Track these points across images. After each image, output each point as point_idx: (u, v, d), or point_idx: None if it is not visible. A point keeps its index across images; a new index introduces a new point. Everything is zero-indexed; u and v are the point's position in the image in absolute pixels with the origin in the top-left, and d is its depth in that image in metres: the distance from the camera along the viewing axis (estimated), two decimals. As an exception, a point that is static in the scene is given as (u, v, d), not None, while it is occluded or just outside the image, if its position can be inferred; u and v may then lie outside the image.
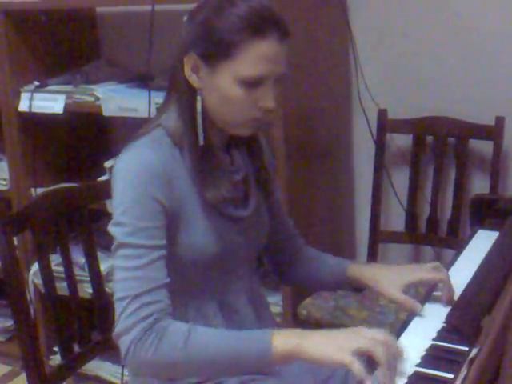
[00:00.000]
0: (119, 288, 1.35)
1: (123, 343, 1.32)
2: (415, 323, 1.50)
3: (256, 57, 1.37)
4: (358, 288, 1.66)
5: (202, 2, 1.44)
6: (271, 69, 1.40)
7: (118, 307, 1.34)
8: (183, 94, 1.46)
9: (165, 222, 1.39)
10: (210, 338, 1.32)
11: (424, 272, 1.56)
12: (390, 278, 1.56)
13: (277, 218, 1.70)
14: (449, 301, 1.52)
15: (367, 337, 1.25)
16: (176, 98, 1.48)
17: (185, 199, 1.44)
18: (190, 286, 1.50)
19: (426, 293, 1.60)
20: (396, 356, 1.27)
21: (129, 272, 1.34)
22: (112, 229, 1.39)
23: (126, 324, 1.31)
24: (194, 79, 1.44)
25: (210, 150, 1.48)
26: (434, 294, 1.58)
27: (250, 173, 1.59)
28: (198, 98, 1.44)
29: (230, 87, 1.40)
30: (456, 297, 1.54)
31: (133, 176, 1.39)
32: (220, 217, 1.49)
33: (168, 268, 1.39)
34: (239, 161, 1.57)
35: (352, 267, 1.65)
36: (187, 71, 1.43)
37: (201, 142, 1.45)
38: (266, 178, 1.61)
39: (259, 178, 1.61)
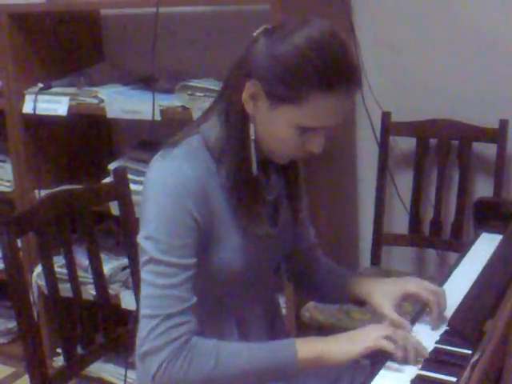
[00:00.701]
0: (147, 304, 1.34)
1: (151, 363, 1.31)
2: (419, 326, 1.50)
3: (321, 110, 1.33)
4: (358, 302, 1.64)
5: (286, 35, 1.34)
6: (332, 121, 1.37)
7: (147, 324, 1.32)
8: (234, 115, 1.41)
9: (197, 238, 1.37)
10: (237, 352, 1.34)
11: (417, 286, 1.54)
12: (383, 292, 1.55)
13: (301, 230, 1.67)
14: (434, 326, 1.49)
15: (385, 329, 1.37)
16: (224, 115, 1.43)
17: (217, 215, 1.41)
18: (208, 300, 1.49)
19: (415, 313, 1.58)
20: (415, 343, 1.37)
21: (158, 289, 1.33)
22: (143, 242, 1.37)
23: (155, 344, 1.30)
24: (249, 105, 1.38)
25: (251, 171, 1.43)
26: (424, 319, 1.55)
27: (282, 190, 1.57)
28: (252, 125, 1.39)
29: (285, 129, 1.36)
30: (457, 303, 1.53)
31: (169, 191, 1.35)
32: (249, 234, 1.46)
33: (194, 285, 1.38)
34: (274, 179, 1.55)
35: (351, 282, 1.64)
36: (245, 96, 1.37)
37: (254, 170, 1.41)
38: (298, 201, 1.59)
39: (291, 200, 1.58)
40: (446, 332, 1.46)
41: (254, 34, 1.39)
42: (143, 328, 1.33)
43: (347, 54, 1.34)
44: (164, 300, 1.32)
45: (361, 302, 1.62)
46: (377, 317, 1.57)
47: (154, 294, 1.33)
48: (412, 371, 1.32)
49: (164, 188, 1.36)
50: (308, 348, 1.35)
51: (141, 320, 1.34)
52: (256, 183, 1.44)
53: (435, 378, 1.29)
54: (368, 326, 1.42)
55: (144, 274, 1.36)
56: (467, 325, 1.41)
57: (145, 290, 1.35)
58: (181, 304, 1.33)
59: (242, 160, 1.41)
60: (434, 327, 1.48)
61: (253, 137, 1.40)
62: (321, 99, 1.31)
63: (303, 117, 1.34)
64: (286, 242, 1.61)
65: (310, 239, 1.73)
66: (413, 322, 1.52)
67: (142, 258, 1.36)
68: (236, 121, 1.41)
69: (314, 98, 1.31)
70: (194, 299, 1.35)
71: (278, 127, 1.37)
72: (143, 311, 1.34)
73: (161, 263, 1.33)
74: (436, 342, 1.42)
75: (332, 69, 1.30)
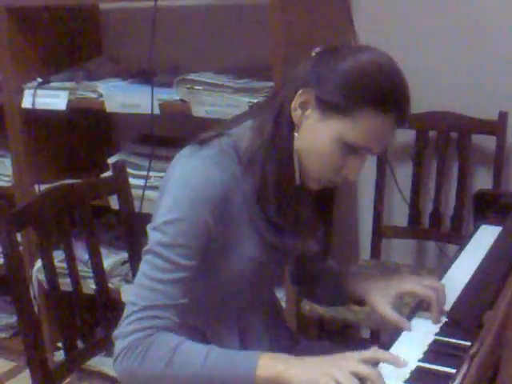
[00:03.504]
0: (135, 292, 1.34)
1: (116, 347, 1.31)
2: (418, 319, 1.50)
3: (370, 128, 1.33)
4: (356, 301, 1.64)
5: (350, 48, 1.39)
6: (375, 145, 1.36)
7: (126, 310, 1.32)
8: (281, 124, 1.40)
9: (204, 244, 1.35)
10: (195, 356, 1.29)
11: (413, 284, 1.52)
12: (380, 290, 1.54)
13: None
14: (436, 321, 1.47)
15: (350, 369, 1.22)
16: (268, 123, 1.41)
17: (235, 222, 1.40)
18: (212, 307, 1.49)
19: (412, 307, 1.57)
20: None
21: (149, 281, 1.32)
22: (151, 232, 1.36)
23: (125, 329, 1.30)
24: (297, 114, 1.37)
25: (293, 181, 1.42)
26: (422, 313, 1.52)
27: (305, 208, 1.52)
28: (296, 135, 1.39)
29: (330, 142, 1.35)
30: (455, 297, 1.52)
31: (190, 190, 1.34)
32: (263, 242, 1.45)
33: (198, 287, 1.37)
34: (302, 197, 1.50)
35: (348, 281, 1.63)
36: (295, 103, 1.37)
37: (297, 180, 1.41)
38: (327, 230, 1.58)
39: (317, 225, 1.55)
40: (445, 324, 1.46)
41: (313, 53, 1.40)
42: (124, 313, 1.33)
43: (407, 86, 1.36)
44: (149, 292, 1.32)
45: (360, 301, 1.62)
46: (375, 311, 1.56)
47: (143, 284, 1.33)
48: (412, 363, 1.32)
49: (186, 186, 1.35)
50: (268, 367, 1.26)
51: (126, 305, 1.34)
52: (296, 194, 1.42)
53: (434, 370, 1.29)
54: (338, 357, 1.28)
55: (142, 262, 1.36)
56: (466, 316, 1.41)
57: (137, 278, 1.35)
58: (164, 299, 1.31)
59: (283, 170, 1.40)
60: (436, 322, 1.47)
61: (296, 147, 1.39)
62: (372, 117, 1.32)
63: (350, 131, 1.33)
64: (295, 251, 1.59)
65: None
66: (411, 315, 1.52)
67: (145, 247, 1.36)
68: (282, 130, 1.39)
69: (366, 115, 1.32)
70: (183, 300, 1.33)
71: (322, 140, 1.36)
72: (129, 297, 1.34)
73: (159, 256, 1.33)
74: (435, 334, 1.42)
75: (391, 91, 1.32)
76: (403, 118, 1.37)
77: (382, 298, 1.52)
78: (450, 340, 1.39)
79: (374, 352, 1.29)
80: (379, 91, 1.31)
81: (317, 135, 1.36)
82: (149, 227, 1.38)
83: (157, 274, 1.32)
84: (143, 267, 1.35)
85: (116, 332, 1.32)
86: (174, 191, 1.36)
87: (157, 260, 1.33)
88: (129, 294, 1.35)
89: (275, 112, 1.41)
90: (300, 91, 1.36)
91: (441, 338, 1.40)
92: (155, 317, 1.30)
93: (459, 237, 2.46)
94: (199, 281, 1.37)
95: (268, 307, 1.61)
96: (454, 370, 1.27)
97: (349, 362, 1.25)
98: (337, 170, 1.39)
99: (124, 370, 1.30)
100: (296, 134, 1.39)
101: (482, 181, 2.54)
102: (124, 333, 1.30)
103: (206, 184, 1.34)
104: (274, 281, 1.65)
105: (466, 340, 1.36)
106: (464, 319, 1.41)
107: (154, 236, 1.35)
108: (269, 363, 1.26)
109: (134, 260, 1.96)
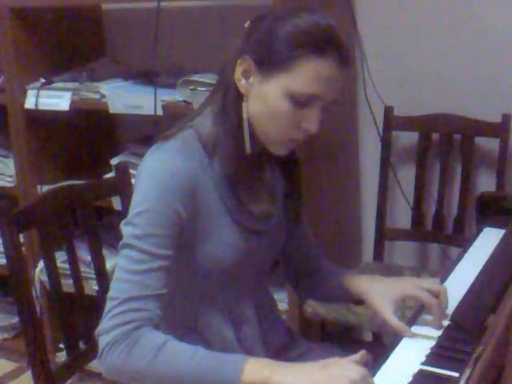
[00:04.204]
0: (114, 287, 1.34)
1: (101, 342, 1.30)
2: (421, 322, 1.50)
3: (312, 74, 1.33)
4: (356, 301, 1.63)
5: (267, 11, 1.41)
6: (324, 91, 1.35)
7: (107, 305, 1.32)
8: (228, 98, 1.42)
9: (177, 232, 1.36)
10: (181, 355, 1.28)
11: (415, 288, 1.51)
12: (382, 293, 1.53)
13: (299, 229, 1.66)
14: (438, 327, 1.46)
15: (339, 374, 1.21)
16: (219, 102, 1.44)
17: (208, 209, 1.41)
18: (201, 296, 1.49)
19: (415, 310, 1.56)
20: None
21: (127, 274, 1.33)
22: (123, 227, 1.37)
23: (108, 324, 1.30)
24: (242, 84, 1.39)
25: (245, 159, 1.43)
26: (425, 317, 1.52)
27: (277, 187, 1.56)
28: (244, 104, 1.40)
29: (278, 100, 1.35)
30: (457, 300, 1.52)
31: (157, 181, 1.36)
32: (241, 229, 1.46)
33: (181, 278, 1.37)
34: (270, 173, 1.54)
35: (349, 280, 1.62)
36: (237, 74, 1.39)
37: (248, 149, 1.41)
38: (298, 200, 1.58)
39: (291, 199, 1.57)
40: (448, 327, 1.45)
41: (245, 25, 1.42)
42: (105, 308, 1.33)
43: (339, 31, 1.36)
44: (128, 284, 1.32)
45: (360, 301, 1.61)
46: (377, 315, 1.55)
47: (121, 278, 1.33)
48: (414, 366, 1.32)
49: (153, 179, 1.36)
50: (254, 372, 1.24)
51: (106, 301, 1.34)
52: (251, 166, 1.44)
53: (437, 373, 1.29)
54: (326, 362, 1.26)
55: (118, 258, 1.36)
56: (469, 320, 1.41)
57: (115, 273, 1.35)
58: (144, 290, 1.31)
59: (236, 141, 1.41)
60: (438, 327, 1.45)
61: (245, 116, 1.40)
62: (309, 63, 1.33)
63: (294, 82, 1.34)
64: (279, 240, 1.60)
65: (309, 239, 1.71)
66: (413, 318, 1.51)
67: (120, 243, 1.36)
68: (230, 102, 1.41)
69: (303, 63, 1.33)
70: (163, 290, 1.34)
71: (270, 100, 1.36)
72: (109, 293, 1.34)
73: (134, 248, 1.33)
74: (438, 337, 1.42)
75: (323, 35, 1.33)
76: (344, 58, 1.36)
77: (383, 301, 1.51)
78: (453, 343, 1.38)
79: (361, 356, 1.28)
80: (311, 36, 1.32)
81: (265, 98, 1.37)
82: (122, 223, 1.39)
83: (133, 266, 1.33)
84: (120, 261, 1.35)
85: (98, 328, 1.32)
86: (142, 185, 1.38)
87: (132, 252, 1.33)
88: (109, 289, 1.35)
89: (223, 88, 1.43)
90: (239, 61, 1.38)
91: (443, 341, 1.40)
92: (136, 309, 1.30)
93: (462, 239, 2.46)
94: (182, 270, 1.38)
95: (260, 300, 1.60)
96: (456, 374, 1.26)
97: (336, 367, 1.23)
98: (295, 126, 1.39)
99: (109, 366, 1.30)
100: (245, 104, 1.40)
101: (485, 183, 2.54)
102: (107, 328, 1.30)
103: (171, 173, 1.36)
104: (265, 271, 1.63)
105: (468, 343, 1.35)
106: (467, 323, 1.40)
107: (126, 230, 1.36)
108: (255, 368, 1.25)
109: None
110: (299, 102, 1.35)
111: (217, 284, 1.48)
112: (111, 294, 1.33)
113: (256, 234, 1.49)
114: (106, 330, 1.30)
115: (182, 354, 1.28)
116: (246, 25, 1.43)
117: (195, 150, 1.41)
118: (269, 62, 1.35)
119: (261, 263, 1.57)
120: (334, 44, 1.34)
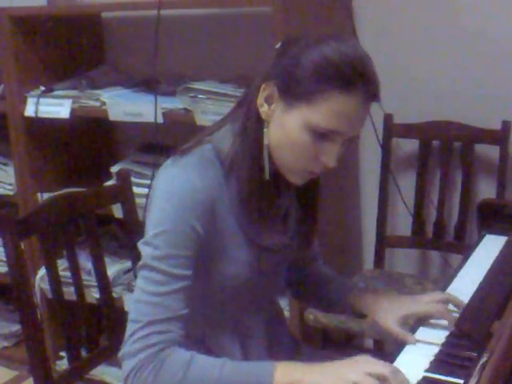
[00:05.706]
0: (134, 309, 1.32)
1: (125, 366, 1.29)
2: (423, 329, 1.50)
3: (335, 110, 1.29)
4: (358, 314, 1.63)
5: (300, 35, 1.36)
6: (346, 127, 1.32)
7: (129, 328, 1.31)
8: (249, 121, 1.39)
9: (196, 251, 1.35)
10: (209, 370, 1.28)
11: (422, 305, 1.52)
12: (387, 309, 1.54)
13: (309, 250, 1.66)
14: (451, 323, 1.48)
15: (367, 371, 1.22)
16: (240, 122, 1.41)
17: (224, 227, 1.40)
18: (210, 312, 1.48)
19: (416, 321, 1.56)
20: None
21: (148, 296, 1.31)
22: (142, 247, 1.35)
23: (131, 348, 1.29)
24: (264, 110, 1.37)
25: (262, 184, 1.41)
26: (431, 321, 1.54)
27: (292, 208, 1.54)
28: (265, 130, 1.37)
29: (298, 131, 1.32)
30: (464, 303, 1.53)
31: (175, 199, 1.33)
32: (256, 247, 1.45)
33: (192, 295, 1.36)
34: (285, 193, 1.52)
35: (353, 294, 1.63)
36: (260, 99, 1.36)
37: (266, 176, 1.40)
38: (313, 226, 1.58)
39: (305, 223, 1.56)
40: (451, 333, 1.45)
41: (276, 46, 1.38)
42: (127, 331, 1.32)
43: (369, 64, 1.34)
44: (150, 307, 1.30)
45: (362, 315, 1.61)
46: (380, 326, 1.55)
47: (142, 300, 1.32)
48: (418, 373, 1.31)
49: (170, 197, 1.34)
50: (286, 375, 1.25)
51: (127, 323, 1.33)
52: (268, 191, 1.42)
53: (442, 380, 1.29)
54: (355, 359, 1.28)
55: (138, 279, 1.35)
56: (474, 326, 1.41)
57: (135, 295, 1.34)
58: (166, 313, 1.30)
59: (254, 166, 1.39)
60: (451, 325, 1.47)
61: (266, 142, 1.38)
62: (334, 99, 1.29)
63: (316, 117, 1.30)
64: (291, 255, 1.59)
65: (313, 249, 1.70)
66: (416, 325, 1.51)
67: (139, 263, 1.35)
68: (251, 127, 1.39)
69: (329, 97, 1.29)
70: (184, 311, 1.33)
71: (291, 131, 1.34)
72: (130, 315, 1.32)
73: (154, 270, 1.32)
74: (442, 344, 1.41)
75: (351, 70, 1.29)
76: (371, 95, 1.34)
77: (388, 316, 1.52)
78: (457, 350, 1.38)
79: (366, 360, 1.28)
80: (338, 71, 1.28)
81: (285, 127, 1.35)
82: (140, 243, 1.37)
83: (154, 288, 1.31)
84: (140, 283, 1.34)
85: (122, 351, 1.31)
86: (159, 203, 1.35)
87: (152, 274, 1.32)
88: (129, 311, 1.34)
89: (245, 111, 1.41)
90: (263, 86, 1.36)
91: (447, 348, 1.40)
92: (160, 332, 1.29)
93: (463, 246, 2.46)
94: (196, 287, 1.37)
95: (268, 314, 1.60)
96: (460, 381, 1.26)
97: (362, 363, 1.25)
98: (313, 158, 1.36)
99: None
100: (266, 130, 1.38)
101: (486, 190, 2.54)
102: (131, 352, 1.29)
103: (189, 191, 1.34)
104: (275, 287, 1.62)
105: (473, 350, 1.35)
106: (472, 329, 1.40)
107: (146, 250, 1.34)
108: (286, 372, 1.26)
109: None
110: (319, 135, 1.33)
111: (228, 301, 1.47)
112: (132, 316, 1.32)
113: (268, 252, 1.48)
114: (131, 354, 1.29)
115: (211, 367, 1.28)
116: (277, 46, 1.39)
117: (212, 167, 1.39)
118: (292, 91, 1.32)
119: (273, 280, 1.56)
120: (361, 80, 1.30)
